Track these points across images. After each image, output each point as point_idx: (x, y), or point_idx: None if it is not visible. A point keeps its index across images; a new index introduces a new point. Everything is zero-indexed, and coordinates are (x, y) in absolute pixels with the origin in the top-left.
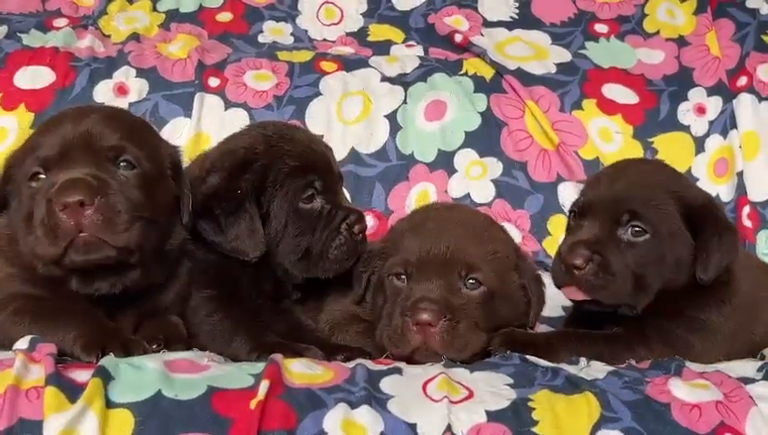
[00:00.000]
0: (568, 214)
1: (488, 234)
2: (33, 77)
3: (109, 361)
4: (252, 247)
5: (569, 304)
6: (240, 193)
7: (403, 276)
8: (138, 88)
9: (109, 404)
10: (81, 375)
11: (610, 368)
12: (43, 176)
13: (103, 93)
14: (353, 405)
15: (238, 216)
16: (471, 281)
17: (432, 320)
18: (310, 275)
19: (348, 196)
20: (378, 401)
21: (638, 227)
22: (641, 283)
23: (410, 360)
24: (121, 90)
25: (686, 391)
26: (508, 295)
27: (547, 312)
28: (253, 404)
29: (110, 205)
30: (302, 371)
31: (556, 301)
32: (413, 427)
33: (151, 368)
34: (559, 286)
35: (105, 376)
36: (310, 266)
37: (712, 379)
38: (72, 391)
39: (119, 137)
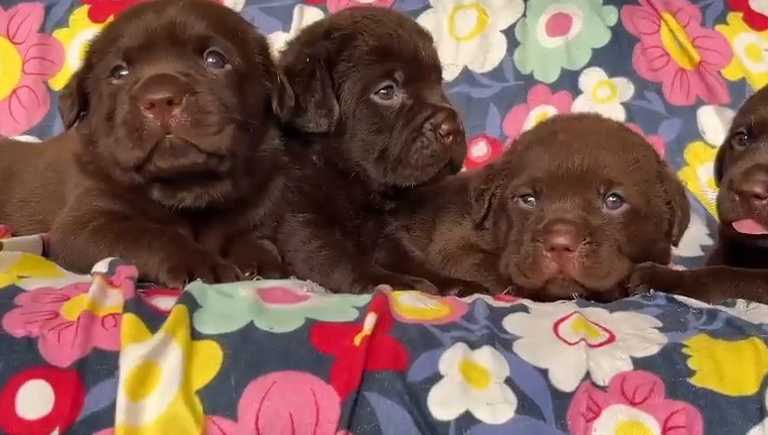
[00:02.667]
0: (731, 135)
1: (626, 141)
2: None
3: (196, 287)
4: (323, 121)
5: (708, 242)
6: (309, 60)
7: (531, 198)
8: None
9: (194, 335)
10: (164, 302)
11: None
12: (125, 72)
13: None
14: (473, 345)
15: (309, 85)
16: (612, 198)
17: (570, 244)
18: (389, 181)
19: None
20: (502, 341)
21: None
22: None
23: (543, 293)
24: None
25: None
26: (653, 213)
27: (683, 250)
28: (357, 340)
29: (200, 104)
30: (414, 304)
31: (694, 238)
32: (544, 373)
33: (243, 296)
34: (729, 221)
35: (191, 304)
36: (387, 171)
37: None
38: (154, 320)
39: (206, 26)
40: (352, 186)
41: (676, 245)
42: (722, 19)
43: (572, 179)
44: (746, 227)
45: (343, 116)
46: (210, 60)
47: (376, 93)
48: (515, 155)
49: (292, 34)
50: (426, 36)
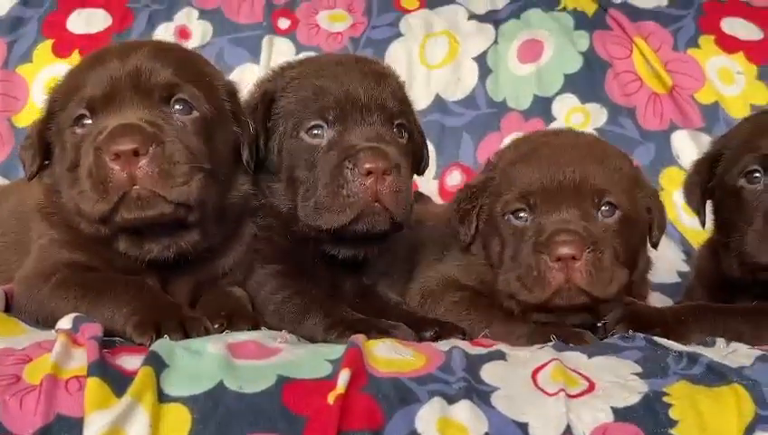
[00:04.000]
0: (745, 173)
1: (606, 150)
2: (88, 21)
3: (162, 345)
4: (246, 154)
5: (684, 268)
6: (256, 96)
7: (523, 213)
8: (201, 31)
9: (162, 398)
10: (130, 362)
11: (758, 352)
12: (89, 121)
13: (163, 38)
14: (451, 400)
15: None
16: (605, 207)
17: (576, 253)
18: (315, 224)
19: (432, 148)
20: (480, 394)
21: None
22: None
23: (548, 305)
24: (183, 33)
25: None
26: (640, 218)
27: (661, 277)
28: (331, 399)
29: (167, 154)
30: (389, 356)
31: (671, 263)
32: (524, 427)
33: (212, 353)
34: (766, 264)
35: (158, 364)
36: (312, 212)
37: None
38: (119, 383)
39: (172, 73)
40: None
41: (655, 247)
42: (694, 42)
43: (566, 191)
44: None
45: (272, 153)
46: (177, 107)
47: (306, 132)
48: (498, 172)
49: (261, 65)
50: (372, 78)
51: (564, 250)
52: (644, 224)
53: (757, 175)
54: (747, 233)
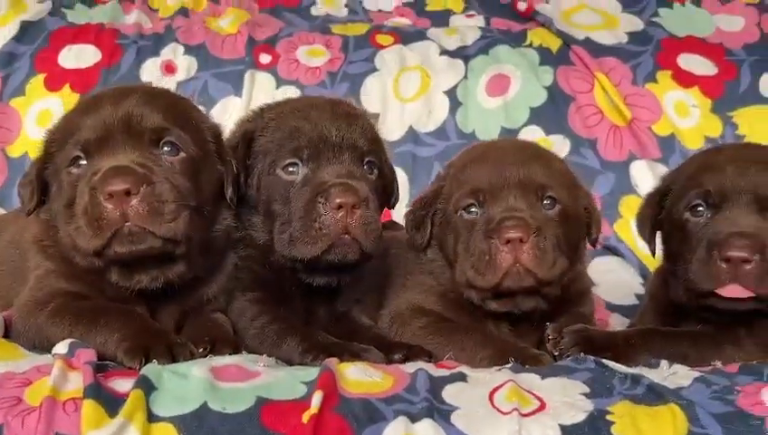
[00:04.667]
0: (689, 207)
1: (547, 153)
2: (78, 56)
3: (151, 369)
4: (230, 191)
5: (641, 291)
6: (237, 135)
7: (474, 209)
8: (186, 66)
9: (151, 418)
10: (122, 385)
11: (696, 374)
12: (84, 162)
13: (150, 72)
14: (414, 418)
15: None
16: (547, 200)
17: (522, 235)
18: (290, 254)
19: (405, 177)
20: (441, 413)
21: None
22: None
23: (499, 288)
24: (169, 68)
25: None
26: (578, 215)
27: (619, 299)
28: (305, 418)
29: (156, 193)
30: (359, 378)
31: (631, 287)
32: None
33: (197, 377)
34: (712, 289)
35: (147, 386)
36: (287, 244)
37: None
38: (112, 404)
39: (161, 117)
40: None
41: (594, 245)
42: (652, 77)
43: (512, 186)
44: (733, 291)
45: (251, 189)
46: (166, 148)
47: (282, 169)
48: (449, 179)
49: (243, 99)
50: (344, 119)
51: (512, 233)
52: (582, 221)
53: (700, 209)
54: (691, 262)
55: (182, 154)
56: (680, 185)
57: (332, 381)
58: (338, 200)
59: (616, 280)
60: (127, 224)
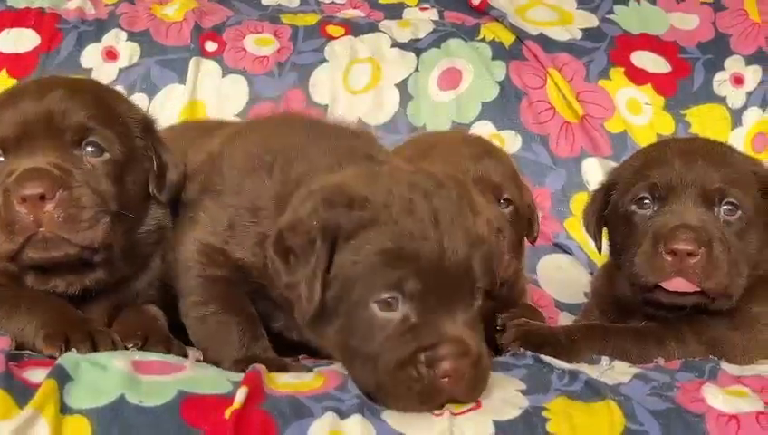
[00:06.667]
0: (635, 200)
1: (497, 149)
2: (17, 40)
3: (68, 359)
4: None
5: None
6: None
7: None
8: (128, 53)
9: (64, 410)
10: (36, 375)
11: (636, 370)
12: (1, 159)
13: (91, 58)
14: (343, 414)
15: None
16: (503, 201)
17: None
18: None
19: None
20: (371, 410)
21: (731, 205)
22: (737, 267)
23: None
24: (110, 54)
25: (723, 399)
26: (524, 213)
27: (568, 298)
28: (227, 414)
29: (73, 199)
30: (287, 380)
31: (580, 285)
32: None
33: (116, 368)
34: (656, 282)
35: (62, 377)
36: (375, 388)
37: (752, 384)
38: (23, 394)
39: (85, 116)
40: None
41: (533, 243)
42: (605, 74)
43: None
44: (677, 285)
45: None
46: (89, 149)
47: (376, 303)
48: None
49: (187, 86)
50: (468, 233)
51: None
52: (525, 218)
53: (647, 202)
54: (637, 255)
55: (106, 155)
56: (627, 178)
57: (259, 379)
58: None
59: (565, 278)
60: (41, 230)
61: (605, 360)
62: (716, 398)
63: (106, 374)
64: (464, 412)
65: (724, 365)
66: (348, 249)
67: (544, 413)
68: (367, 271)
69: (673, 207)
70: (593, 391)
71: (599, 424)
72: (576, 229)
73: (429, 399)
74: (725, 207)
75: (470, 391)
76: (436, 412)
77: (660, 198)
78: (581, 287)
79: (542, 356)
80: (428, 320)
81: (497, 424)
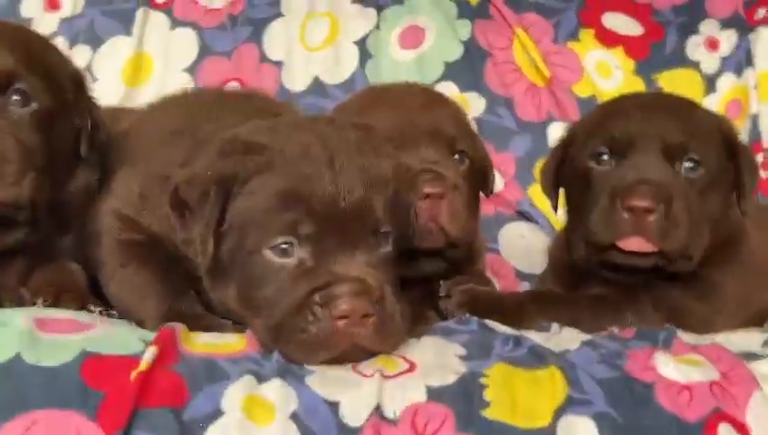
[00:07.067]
0: (593, 155)
1: (450, 100)
2: None
3: None
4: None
5: None
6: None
7: None
8: (72, 1)
9: None
10: None
11: (586, 337)
12: None
13: (31, 7)
14: (262, 378)
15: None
16: (457, 154)
17: (442, 190)
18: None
19: None
20: (293, 374)
21: (693, 161)
22: (698, 227)
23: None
24: (53, 3)
25: (675, 367)
26: (479, 167)
27: (530, 268)
28: (132, 375)
29: None
30: (207, 340)
31: (543, 255)
32: (335, 407)
33: (16, 325)
34: (612, 241)
35: None
36: (273, 338)
37: (707, 354)
38: None
39: (11, 60)
40: None
41: (488, 196)
42: (574, 36)
43: (422, 135)
44: (634, 244)
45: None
46: (14, 97)
47: (269, 248)
48: None
49: (133, 37)
50: (362, 170)
51: (431, 188)
52: (480, 171)
53: (605, 157)
54: (593, 213)
55: (33, 105)
56: (585, 133)
57: (172, 338)
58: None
59: (527, 247)
60: None
61: (555, 327)
62: (668, 366)
63: (5, 331)
64: (395, 376)
65: (681, 334)
66: (242, 196)
67: (482, 380)
68: (260, 216)
69: (632, 162)
70: (537, 357)
71: (540, 392)
72: (540, 197)
73: (329, 344)
74: (687, 163)
75: (376, 338)
76: (366, 373)
77: (619, 153)
78: (545, 257)
79: (488, 322)
80: (324, 262)
81: (430, 390)
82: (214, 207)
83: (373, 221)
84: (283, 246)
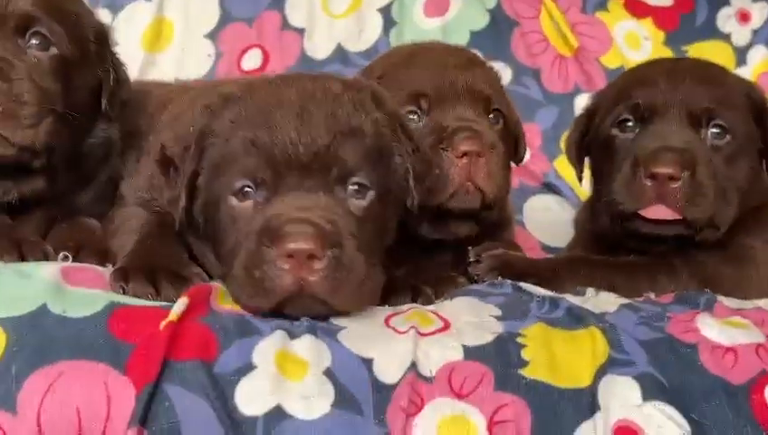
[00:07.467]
0: (617, 122)
1: (483, 61)
2: None
3: None
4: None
5: None
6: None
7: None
8: None
9: None
10: None
11: (624, 301)
12: None
13: None
14: (294, 335)
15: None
16: (492, 114)
17: (479, 148)
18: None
19: None
20: (325, 331)
21: (720, 127)
22: (725, 195)
23: (445, 207)
24: None
25: (719, 330)
26: (513, 130)
27: (556, 241)
28: (162, 326)
29: (14, 93)
30: None
31: (569, 227)
32: (369, 363)
33: (41, 277)
34: (636, 209)
35: None
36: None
37: (751, 316)
38: None
39: (31, 3)
40: None
41: (519, 163)
42: (603, 6)
43: (460, 94)
44: (658, 212)
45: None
46: (34, 41)
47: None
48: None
49: (153, 4)
50: (330, 117)
51: (470, 145)
52: (512, 135)
53: (629, 124)
54: (615, 180)
55: (53, 50)
56: (609, 101)
57: (205, 293)
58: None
59: (553, 219)
60: None
61: (590, 291)
62: (712, 328)
63: (29, 283)
64: (430, 333)
65: (721, 298)
66: (214, 146)
67: (520, 339)
68: (226, 163)
69: (656, 129)
70: (575, 318)
71: (579, 352)
72: (566, 169)
73: (277, 287)
74: (713, 129)
75: (326, 286)
76: (401, 330)
77: (643, 120)
78: (570, 229)
79: (522, 284)
80: (279, 205)
81: (467, 349)
82: (191, 160)
83: (340, 170)
84: (246, 189)
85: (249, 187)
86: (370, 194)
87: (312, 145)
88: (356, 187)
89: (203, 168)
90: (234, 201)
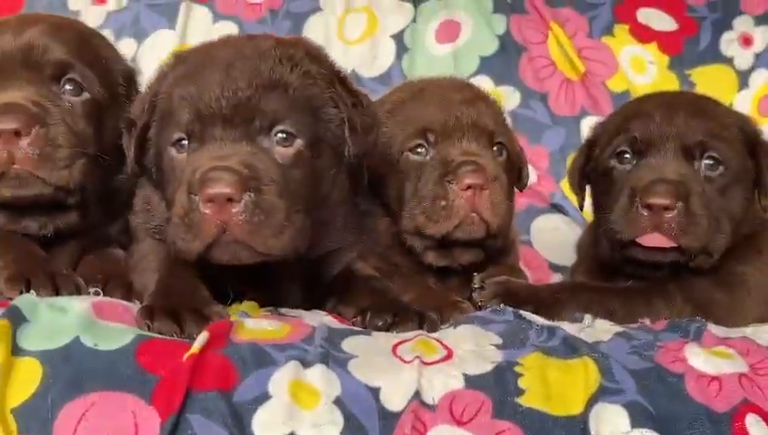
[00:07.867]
0: (615, 154)
1: (486, 94)
2: None
3: (26, 300)
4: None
5: None
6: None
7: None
8: None
9: (16, 351)
10: None
11: (618, 329)
12: None
13: (78, 0)
14: (306, 364)
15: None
16: (496, 147)
17: (483, 181)
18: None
19: None
20: (336, 360)
21: (713, 159)
22: (718, 224)
23: (449, 238)
24: None
25: (705, 359)
26: (515, 161)
27: (562, 260)
28: (185, 357)
29: (50, 137)
30: (253, 326)
31: (573, 247)
32: (376, 392)
33: (75, 311)
34: (633, 237)
35: (16, 317)
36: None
37: (736, 346)
38: None
39: (66, 51)
40: None
41: (522, 190)
42: (609, 31)
43: (465, 128)
44: (654, 240)
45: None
46: (68, 87)
47: (170, 144)
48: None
49: (177, 32)
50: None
51: (474, 179)
52: (516, 165)
53: (626, 156)
54: (614, 210)
55: (85, 95)
56: (608, 132)
57: (225, 327)
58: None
59: (560, 239)
60: (14, 166)
61: (587, 318)
62: (698, 358)
63: (64, 317)
64: (434, 362)
65: (711, 326)
66: (162, 101)
67: (517, 368)
68: (168, 116)
69: (651, 161)
70: (570, 347)
71: (573, 380)
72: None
73: (200, 231)
74: (707, 161)
75: (246, 228)
76: (406, 359)
77: (640, 152)
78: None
79: (522, 312)
80: (204, 154)
81: (468, 378)
82: (145, 114)
83: (262, 120)
84: (182, 142)
85: (183, 139)
86: (298, 142)
87: (233, 98)
88: (283, 135)
89: (154, 120)
90: (173, 152)
